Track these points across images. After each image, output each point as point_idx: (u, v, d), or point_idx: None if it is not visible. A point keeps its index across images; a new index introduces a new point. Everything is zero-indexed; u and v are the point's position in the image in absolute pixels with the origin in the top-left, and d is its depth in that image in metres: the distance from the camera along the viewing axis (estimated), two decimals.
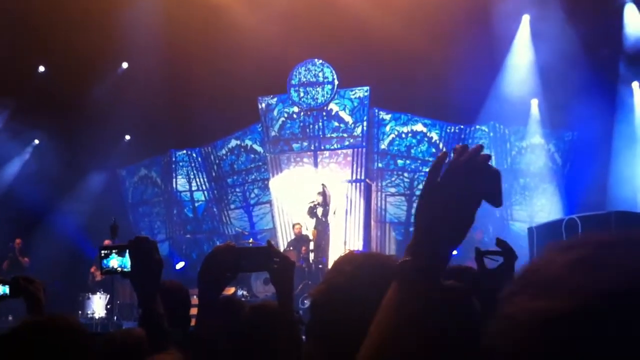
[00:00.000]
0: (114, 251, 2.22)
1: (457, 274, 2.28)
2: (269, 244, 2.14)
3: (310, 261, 11.96)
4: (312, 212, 12.40)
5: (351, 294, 1.34)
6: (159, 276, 2.09)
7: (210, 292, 1.99)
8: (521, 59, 13.47)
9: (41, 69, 14.90)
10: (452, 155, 1.14)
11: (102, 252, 2.24)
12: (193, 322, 2.24)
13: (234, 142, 15.45)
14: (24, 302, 2.84)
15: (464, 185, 1.10)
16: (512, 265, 2.06)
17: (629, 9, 12.89)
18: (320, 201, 12.41)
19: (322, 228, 12.32)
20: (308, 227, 12.59)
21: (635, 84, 12.88)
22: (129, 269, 2.12)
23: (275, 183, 14.53)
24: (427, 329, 1.04)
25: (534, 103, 13.72)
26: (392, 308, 1.06)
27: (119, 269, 2.22)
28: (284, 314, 2.03)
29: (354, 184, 13.99)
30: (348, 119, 14.34)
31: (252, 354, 2.33)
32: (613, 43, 12.82)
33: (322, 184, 12.85)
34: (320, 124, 14.50)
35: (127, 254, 2.15)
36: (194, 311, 2.37)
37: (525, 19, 13.56)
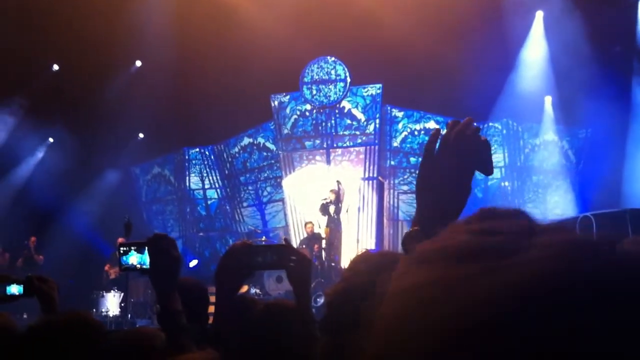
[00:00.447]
0: (133, 248, 2.23)
1: None
2: (286, 241, 2.14)
3: (323, 259, 11.97)
4: (324, 209, 12.39)
5: (368, 293, 1.35)
6: (177, 273, 2.10)
7: (227, 290, 1.99)
8: (534, 56, 13.41)
9: (55, 67, 14.99)
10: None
11: (121, 249, 2.25)
12: (211, 320, 2.25)
13: (246, 140, 15.47)
14: (38, 301, 2.86)
15: (457, 156, 1.19)
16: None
17: None
18: (332, 199, 12.41)
19: (334, 226, 12.31)
20: (320, 225, 12.60)
21: None
22: (148, 266, 2.14)
23: (288, 181, 14.55)
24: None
25: (548, 100, 13.65)
26: (401, 278, 1.09)
27: (138, 265, 2.23)
28: (300, 312, 2.03)
29: (366, 181, 13.98)
30: (360, 116, 14.33)
31: (267, 351, 2.34)
32: (627, 40, 12.72)
33: (337, 181, 12.85)
34: (333, 121, 14.49)
35: (146, 251, 2.16)
36: (211, 309, 2.38)
37: (539, 15, 13.49)
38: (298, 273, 2.05)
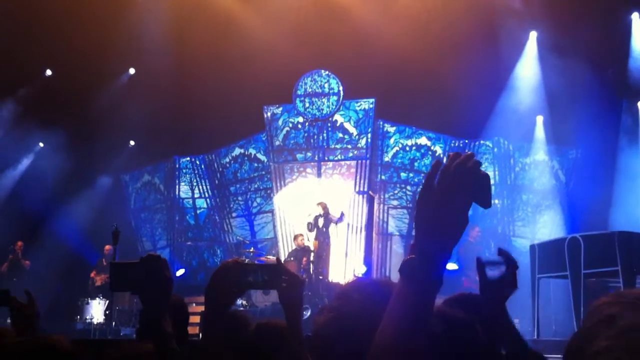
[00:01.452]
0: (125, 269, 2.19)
1: (463, 302, 2.27)
2: (278, 261, 2.12)
3: (311, 272, 11.93)
4: (310, 226, 12.38)
5: (361, 322, 1.33)
6: (169, 294, 2.07)
7: (216, 308, 1.96)
8: (527, 75, 13.49)
9: (48, 72, 14.96)
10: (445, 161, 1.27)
11: (113, 269, 2.20)
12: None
13: (237, 151, 15.45)
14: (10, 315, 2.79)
15: (457, 188, 1.22)
16: (514, 275, 2.03)
17: (637, 28, 12.90)
18: (321, 212, 12.39)
19: (323, 239, 12.28)
20: (309, 238, 12.56)
21: None
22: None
23: (278, 193, 14.52)
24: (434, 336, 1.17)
25: (539, 120, 13.72)
26: (400, 302, 1.17)
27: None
28: (291, 333, 2.01)
29: (356, 195, 13.98)
30: (352, 130, 14.34)
31: None
32: (619, 62, 12.82)
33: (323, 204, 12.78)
34: (325, 134, 14.50)
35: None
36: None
37: (533, 35, 13.58)
38: (289, 294, 2.02)
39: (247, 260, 11.99)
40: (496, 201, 13.77)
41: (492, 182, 1.30)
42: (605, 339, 0.60)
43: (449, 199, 1.22)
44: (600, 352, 0.63)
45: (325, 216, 12.34)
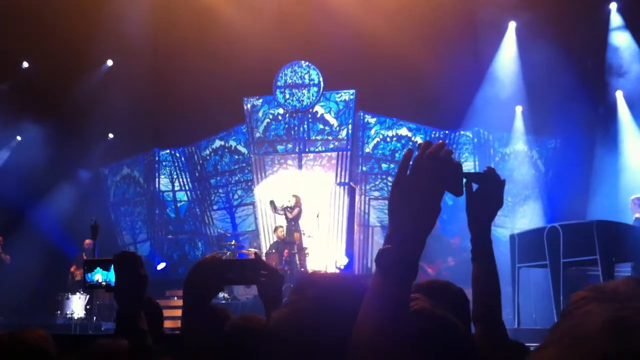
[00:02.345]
0: (98, 265, 2.16)
1: (439, 290, 2.27)
2: (257, 256, 2.10)
3: (293, 264, 11.92)
4: (274, 208, 12.46)
5: (316, 318, 1.32)
6: (143, 292, 2.03)
7: (195, 304, 1.94)
8: (506, 65, 13.54)
9: (25, 64, 14.76)
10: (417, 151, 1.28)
11: (86, 266, 2.17)
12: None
13: (218, 143, 15.38)
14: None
15: (429, 177, 1.23)
16: (501, 191, 1.91)
17: (615, 19, 12.99)
18: (293, 204, 12.45)
19: (299, 230, 12.34)
20: (286, 230, 12.54)
21: (618, 93, 12.97)
22: (113, 284, 2.07)
23: (259, 185, 14.49)
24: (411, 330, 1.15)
25: (518, 110, 13.79)
26: (377, 292, 1.17)
27: (103, 282, 2.16)
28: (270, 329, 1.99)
29: (337, 187, 13.98)
30: (333, 121, 14.33)
31: None
32: (598, 51, 12.91)
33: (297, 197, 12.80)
34: (305, 126, 14.48)
35: (111, 268, 2.09)
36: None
37: (512, 26, 13.63)
38: (269, 288, 2.00)
39: (228, 253, 11.99)
40: None
41: (464, 170, 1.31)
42: None
43: (422, 187, 1.23)
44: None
45: (296, 208, 12.40)
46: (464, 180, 1.30)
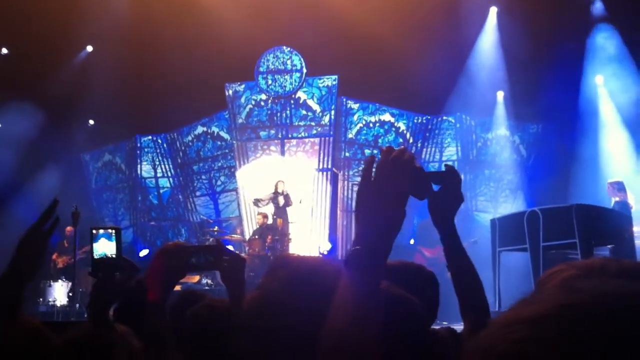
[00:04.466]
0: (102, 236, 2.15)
1: (408, 271, 2.30)
2: (218, 242, 2.11)
3: (276, 250, 11.93)
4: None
5: (285, 299, 1.34)
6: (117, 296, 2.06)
7: (155, 291, 1.93)
8: (488, 51, 13.57)
9: (4, 51, 14.58)
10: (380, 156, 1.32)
11: (92, 235, 2.16)
12: None
13: (200, 129, 15.31)
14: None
15: (393, 181, 1.27)
16: (459, 187, 1.96)
17: (597, 5, 13.05)
18: (283, 189, 12.46)
19: (285, 217, 12.33)
20: (268, 216, 12.53)
21: (598, 78, 13.06)
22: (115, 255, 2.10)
23: (242, 171, 14.46)
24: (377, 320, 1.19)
25: (500, 95, 13.85)
26: (348, 292, 1.20)
27: (110, 254, 2.14)
28: (235, 313, 1.99)
29: (320, 172, 13.99)
30: (316, 107, 14.32)
31: (199, 351, 2.30)
32: (579, 37, 12.97)
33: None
34: (288, 112, 14.45)
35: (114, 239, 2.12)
36: None
37: (493, 10, 13.65)
38: (231, 273, 2.01)
39: (211, 239, 11.98)
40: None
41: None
42: None
43: (386, 192, 1.27)
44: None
45: (284, 194, 12.41)
46: (427, 182, 1.34)
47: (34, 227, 1.95)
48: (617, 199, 9.21)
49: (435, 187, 1.72)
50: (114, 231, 2.14)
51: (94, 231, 2.14)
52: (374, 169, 1.30)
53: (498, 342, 0.61)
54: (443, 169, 1.72)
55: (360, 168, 14.23)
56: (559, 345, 0.58)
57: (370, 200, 1.27)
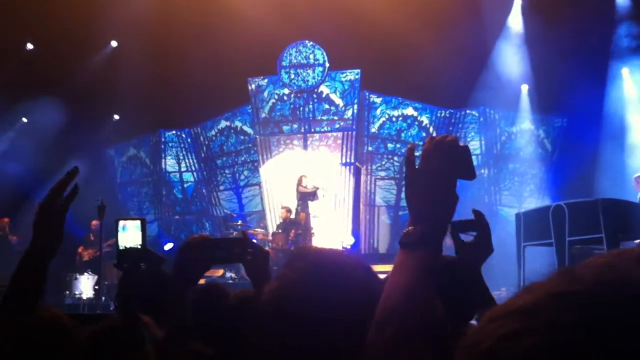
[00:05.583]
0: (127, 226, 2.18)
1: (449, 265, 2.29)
2: (244, 234, 2.11)
3: (299, 245, 11.96)
4: (309, 195, 12.47)
5: (304, 290, 1.34)
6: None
7: (182, 284, 1.95)
8: (513, 44, 13.44)
9: (29, 46, 14.74)
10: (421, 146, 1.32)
11: (118, 226, 2.18)
12: None
13: (223, 123, 15.38)
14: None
15: (439, 167, 1.26)
16: (489, 238, 2.01)
17: None
18: (305, 185, 12.51)
19: (308, 211, 12.36)
20: (292, 210, 12.56)
21: (625, 71, 12.88)
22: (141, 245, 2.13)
23: (265, 165, 14.50)
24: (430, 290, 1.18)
25: (524, 88, 13.72)
26: (402, 272, 1.19)
27: (137, 245, 2.17)
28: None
29: (343, 167, 13.98)
30: (339, 101, 14.29)
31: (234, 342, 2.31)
32: (604, 30, 12.80)
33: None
34: (311, 106, 14.45)
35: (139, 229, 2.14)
36: None
37: (517, 3, 13.52)
38: (256, 267, 2.02)
39: (235, 233, 12.03)
40: (483, 170, 13.82)
41: (472, 152, 1.33)
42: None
43: (437, 178, 1.26)
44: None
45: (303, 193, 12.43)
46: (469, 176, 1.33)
47: (47, 201, 1.88)
48: None
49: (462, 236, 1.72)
50: (139, 222, 2.16)
51: (120, 222, 2.16)
52: (415, 158, 1.30)
53: (484, 338, 0.59)
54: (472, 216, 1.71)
55: (383, 162, 14.21)
56: (548, 339, 0.55)
57: (419, 188, 1.27)
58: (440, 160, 1.26)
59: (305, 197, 12.45)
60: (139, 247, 2.14)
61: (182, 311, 1.91)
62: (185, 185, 15.79)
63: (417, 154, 1.33)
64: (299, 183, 12.54)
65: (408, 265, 1.20)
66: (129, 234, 2.17)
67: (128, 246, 2.14)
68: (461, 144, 1.30)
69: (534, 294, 0.59)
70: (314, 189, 12.51)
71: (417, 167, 1.29)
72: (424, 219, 1.24)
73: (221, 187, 15.39)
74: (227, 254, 1.99)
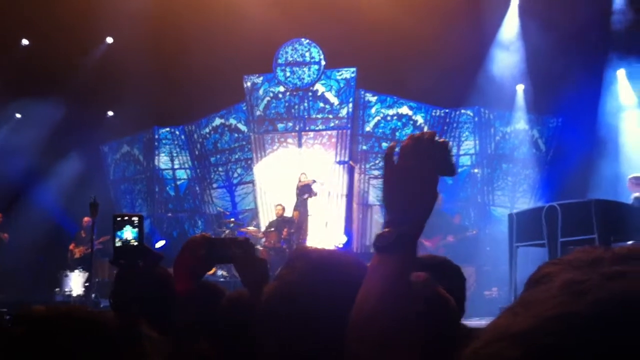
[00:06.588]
0: (127, 223, 2.15)
1: (436, 266, 2.27)
2: (247, 240, 2.09)
3: (292, 243, 11.93)
4: (306, 190, 12.47)
5: (304, 290, 1.31)
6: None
7: (184, 283, 1.93)
8: (508, 44, 13.42)
9: (24, 42, 14.67)
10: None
11: (115, 224, 2.15)
12: None
13: (218, 121, 15.33)
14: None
15: (416, 163, 1.22)
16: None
17: None
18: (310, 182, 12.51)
19: (303, 209, 12.31)
20: (286, 208, 12.54)
21: (620, 72, 12.86)
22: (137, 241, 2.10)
23: (259, 164, 14.46)
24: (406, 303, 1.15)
25: (520, 88, 13.70)
26: (377, 277, 1.17)
27: (133, 240, 2.14)
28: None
29: (337, 165, 13.95)
30: (334, 100, 14.27)
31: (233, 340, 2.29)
32: (600, 30, 12.78)
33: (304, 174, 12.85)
34: (306, 104, 14.42)
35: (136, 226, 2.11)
36: None
37: (514, 3, 13.50)
38: (252, 275, 1.99)
39: (227, 231, 12.00)
40: (476, 170, 13.81)
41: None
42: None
43: (412, 175, 1.23)
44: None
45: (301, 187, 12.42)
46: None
47: None
48: (637, 194, 9.07)
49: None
50: (137, 219, 2.14)
51: (117, 219, 2.13)
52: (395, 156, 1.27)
53: None
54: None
55: (377, 161, 14.19)
56: None
57: (396, 184, 1.24)
58: (418, 156, 1.23)
59: (304, 191, 12.42)
60: (136, 244, 2.11)
61: (189, 310, 1.88)
62: (178, 183, 15.75)
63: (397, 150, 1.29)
64: (299, 180, 12.55)
65: (382, 270, 1.17)
66: (126, 231, 2.14)
67: (125, 243, 2.12)
68: (440, 139, 1.26)
69: (537, 314, 0.56)
70: (311, 181, 12.51)
71: (394, 164, 1.26)
72: (399, 220, 1.21)
73: (214, 185, 15.36)
74: (230, 253, 1.97)
